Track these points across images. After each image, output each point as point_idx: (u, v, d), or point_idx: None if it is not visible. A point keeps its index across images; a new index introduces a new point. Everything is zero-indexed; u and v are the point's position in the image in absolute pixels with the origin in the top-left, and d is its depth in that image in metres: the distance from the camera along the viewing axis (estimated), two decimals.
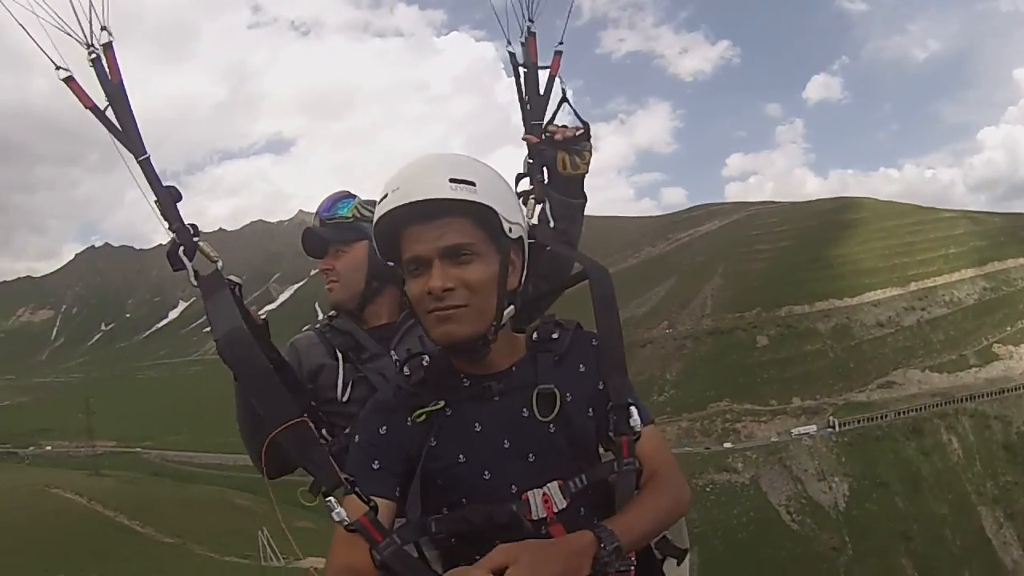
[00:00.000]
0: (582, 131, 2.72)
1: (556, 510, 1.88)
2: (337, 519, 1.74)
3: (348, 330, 3.00)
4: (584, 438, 1.97)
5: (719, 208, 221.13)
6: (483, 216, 1.80)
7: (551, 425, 1.91)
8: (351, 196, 3.10)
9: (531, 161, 2.73)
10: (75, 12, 2.08)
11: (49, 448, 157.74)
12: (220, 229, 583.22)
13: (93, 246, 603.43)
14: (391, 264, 1.97)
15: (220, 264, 2.27)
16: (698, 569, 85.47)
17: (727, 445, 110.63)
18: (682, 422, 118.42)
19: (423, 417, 1.93)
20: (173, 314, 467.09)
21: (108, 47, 2.12)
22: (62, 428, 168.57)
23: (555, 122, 2.81)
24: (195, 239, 2.26)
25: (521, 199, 2.59)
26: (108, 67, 2.12)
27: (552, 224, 2.75)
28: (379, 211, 1.85)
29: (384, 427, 1.97)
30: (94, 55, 2.11)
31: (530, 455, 1.93)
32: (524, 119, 2.78)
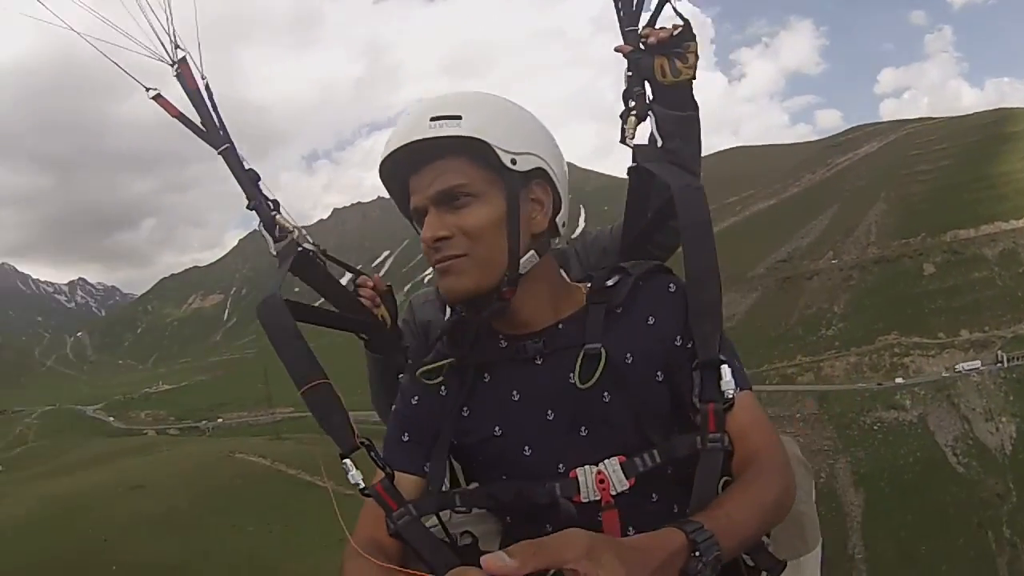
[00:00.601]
0: (681, 29, 2.12)
1: (614, 492, 1.61)
2: (352, 482, 1.60)
3: None
4: (654, 407, 1.68)
5: (876, 128, 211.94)
6: (478, 152, 1.57)
7: (605, 393, 1.66)
8: None
9: (630, 74, 2.16)
10: (157, 36, 2.17)
11: (221, 420, 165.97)
12: (379, 198, 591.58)
13: (255, 229, 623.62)
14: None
15: (296, 235, 2.21)
16: (863, 511, 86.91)
17: (898, 380, 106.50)
18: (850, 357, 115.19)
19: (437, 379, 1.79)
20: (343, 280, 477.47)
21: (183, 61, 2.25)
22: (240, 400, 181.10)
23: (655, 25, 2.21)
24: (273, 214, 2.24)
25: (622, 119, 2.14)
26: (186, 77, 2.25)
27: (660, 143, 2.15)
28: (380, 166, 1.71)
29: (416, 397, 1.84)
30: (177, 71, 2.25)
31: (582, 428, 1.68)
32: (620, 27, 2.22)
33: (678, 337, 1.67)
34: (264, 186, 2.27)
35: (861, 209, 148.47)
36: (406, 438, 1.78)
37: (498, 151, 1.56)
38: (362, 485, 1.59)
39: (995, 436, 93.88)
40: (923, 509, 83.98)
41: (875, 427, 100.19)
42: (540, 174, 1.65)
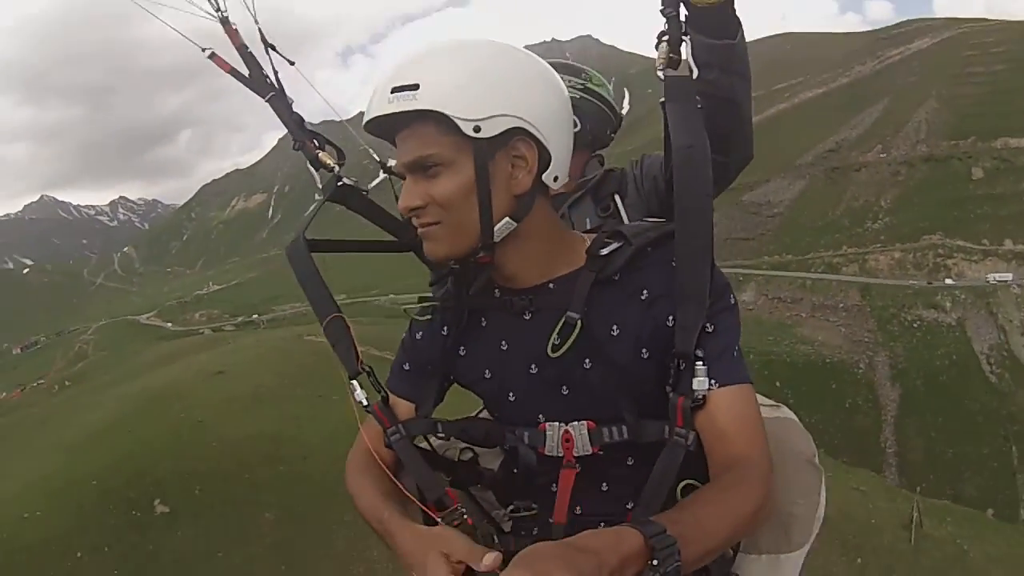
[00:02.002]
0: None
1: (577, 454, 1.76)
2: (357, 400, 1.86)
3: None
4: (635, 384, 1.73)
5: (929, 24, 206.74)
6: (443, 118, 1.56)
7: (586, 360, 1.75)
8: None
9: None
10: None
11: (275, 312, 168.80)
12: None
13: None
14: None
15: (337, 170, 2.43)
16: (898, 406, 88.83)
17: (948, 281, 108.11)
18: (895, 252, 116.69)
19: (426, 316, 1.99)
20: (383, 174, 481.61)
21: (225, 21, 2.54)
22: (291, 292, 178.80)
23: None
24: (317, 151, 2.47)
25: (656, 44, 1.96)
26: (231, 35, 2.55)
27: (696, 73, 1.96)
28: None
29: (420, 332, 2.01)
30: (226, 26, 2.56)
31: (563, 387, 1.79)
32: None
33: (670, 317, 1.68)
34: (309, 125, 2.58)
35: (911, 105, 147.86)
36: (407, 367, 2.02)
37: (457, 121, 1.55)
38: (365, 403, 1.87)
39: None
40: (954, 413, 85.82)
41: (915, 324, 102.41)
42: (519, 132, 1.63)
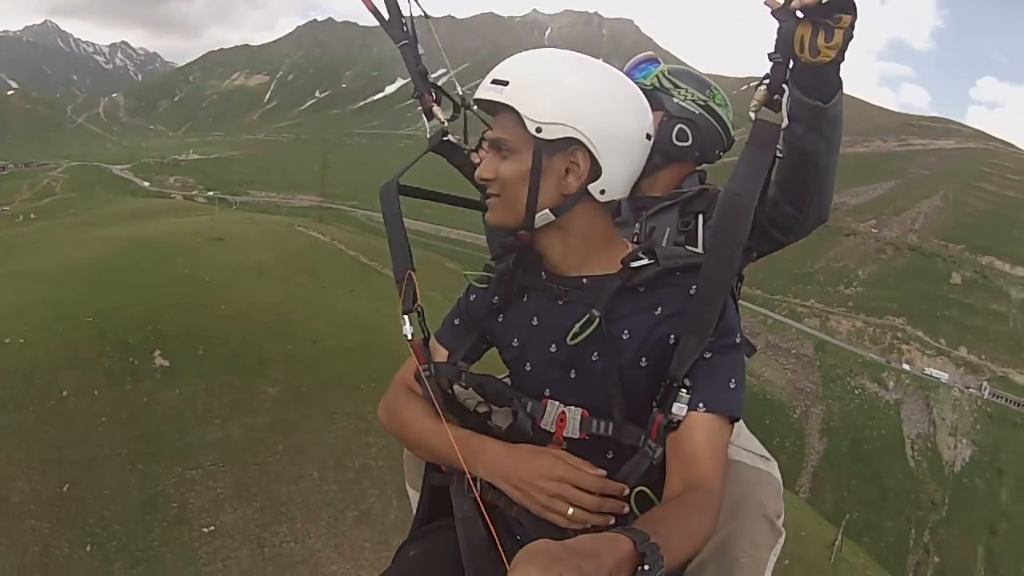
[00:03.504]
0: None
1: (566, 435, 1.96)
2: (403, 332, 2.08)
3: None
4: (629, 386, 1.93)
5: (959, 129, 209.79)
6: (519, 114, 1.85)
7: (595, 353, 1.94)
8: (655, 61, 3.18)
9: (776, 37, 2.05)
10: None
11: (249, 196, 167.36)
12: (449, 16, 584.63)
13: (316, 20, 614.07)
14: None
15: (445, 125, 2.60)
16: (820, 458, 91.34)
17: (905, 366, 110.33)
18: (857, 321, 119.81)
19: (484, 285, 2.22)
20: (390, 89, 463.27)
21: None
22: (269, 181, 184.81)
23: None
24: (433, 103, 2.62)
25: (756, 85, 2.20)
26: None
27: (785, 123, 2.11)
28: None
29: (474, 295, 2.24)
30: None
31: (571, 372, 1.99)
32: None
33: (672, 337, 1.86)
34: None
35: (917, 196, 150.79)
36: (456, 322, 2.27)
37: (525, 119, 1.83)
38: (409, 337, 2.09)
39: (951, 451, 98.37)
40: (869, 481, 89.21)
41: (856, 391, 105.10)
42: (576, 143, 1.85)
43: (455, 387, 2.07)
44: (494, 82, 1.88)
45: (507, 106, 1.85)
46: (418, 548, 2.14)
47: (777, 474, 2.48)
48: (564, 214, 1.93)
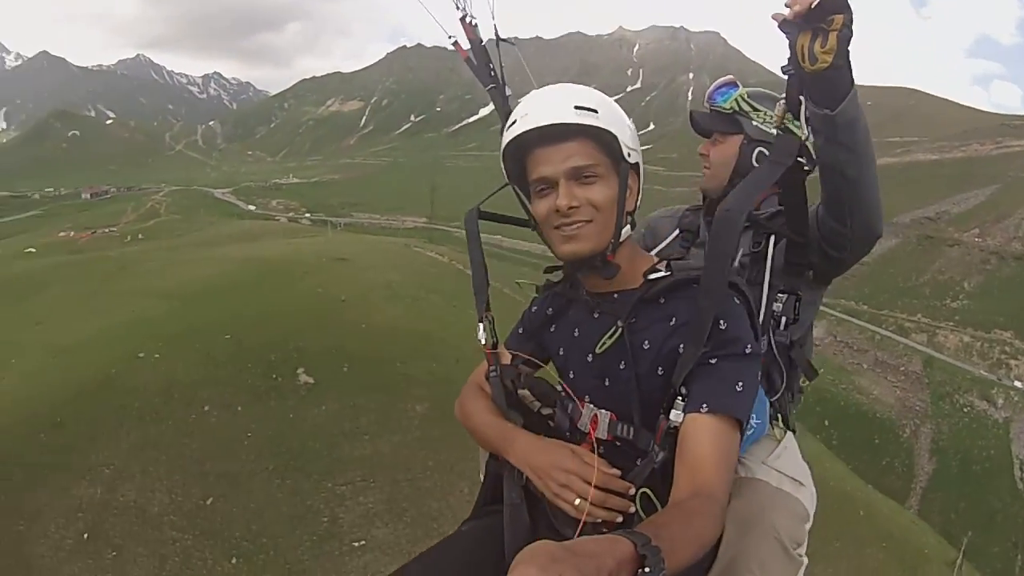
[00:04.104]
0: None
1: (596, 436, 2.14)
2: (478, 338, 2.42)
3: (695, 217, 3.34)
4: (648, 394, 2.09)
5: None
6: (604, 140, 2.04)
7: (622, 363, 2.13)
8: (735, 85, 3.21)
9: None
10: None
11: (353, 218, 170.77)
12: (537, 37, 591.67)
13: (404, 46, 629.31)
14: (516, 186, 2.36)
15: None
16: (930, 478, 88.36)
17: (1017, 384, 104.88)
18: (965, 336, 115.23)
19: (541, 296, 2.56)
20: (483, 111, 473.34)
21: (464, 18, 3.03)
22: (371, 203, 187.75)
23: None
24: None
25: (777, 103, 2.42)
26: (467, 31, 3.03)
27: (807, 135, 2.32)
28: (508, 135, 2.12)
29: (535, 306, 2.55)
30: (470, 22, 3.03)
31: (605, 380, 2.18)
32: None
33: (681, 347, 2.03)
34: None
35: (1018, 200, 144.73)
36: (520, 331, 2.60)
37: (623, 146, 2.07)
38: (482, 342, 2.42)
39: None
40: (977, 503, 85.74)
41: (964, 409, 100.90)
42: (636, 167, 2.15)
43: (518, 389, 2.32)
44: (580, 107, 2.02)
45: (590, 132, 2.04)
46: (470, 526, 2.46)
47: (808, 502, 2.48)
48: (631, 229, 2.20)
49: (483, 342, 2.44)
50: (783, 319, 2.89)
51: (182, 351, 14.09)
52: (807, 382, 3.13)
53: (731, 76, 3.29)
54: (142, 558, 9.27)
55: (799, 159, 2.34)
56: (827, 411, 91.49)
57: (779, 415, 2.87)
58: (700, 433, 1.91)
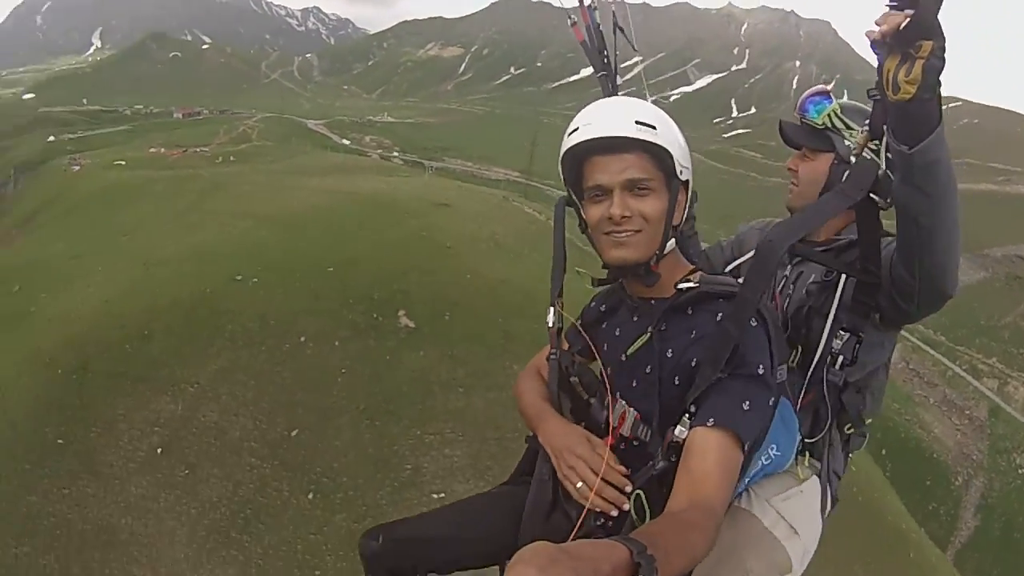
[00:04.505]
0: (910, 17, 1.73)
1: (621, 432, 2.28)
2: (547, 320, 2.68)
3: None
4: (666, 400, 2.20)
5: None
6: (659, 156, 2.19)
7: (649, 367, 2.26)
8: (829, 97, 2.97)
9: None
10: None
11: (444, 163, 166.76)
12: (644, 3, 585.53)
13: None
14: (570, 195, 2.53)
15: None
16: (969, 537, 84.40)
17: None
18: None
19: (592, 301, 2.76)
20: (585, 71, 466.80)
21: (581, 2, 3.21)
22: (461, 149, 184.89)
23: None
24: None
25: (861, 128, 2.45)
26: (583, 16, 3.23)
27: (882, 167, 2.27)
28: (570, 142, 2.26)
29: (593, 302, 2.74)
30: (590, 5, 3.24)
31: (634, 381, 2.33)
32: None
33: (694, 361, 2.14)
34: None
35: None
36: (580, 322, 2.73)
37: (677, 163, 2.20)
38: (549, 325, 2.66)
39: None
40: (1011, 572, 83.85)
41: (1020, 469, 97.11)
42: (686, 184, 2.29)
43: (571, 375, 2.54)
44: (640, 123, 2.15)
45: (649, 148, 2.16)
46: (501, 489, 2.76)
47: (795, 555, 2.47)
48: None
49: (550, 325, 2.67)
50: (840, 358, 2.70)
51: (282, 279, 13.98)
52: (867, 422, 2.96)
53: (824, 86, 3.04)
54: (215, 480, 9.35)
55: (872, 194, 2.30)
56: (887, 440, 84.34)
57: (807, 453, 2.75)
58: (704, 446, 1.97)
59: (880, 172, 2.27)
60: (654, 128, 2.16)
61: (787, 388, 2.32)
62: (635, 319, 2.41)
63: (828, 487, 2.81)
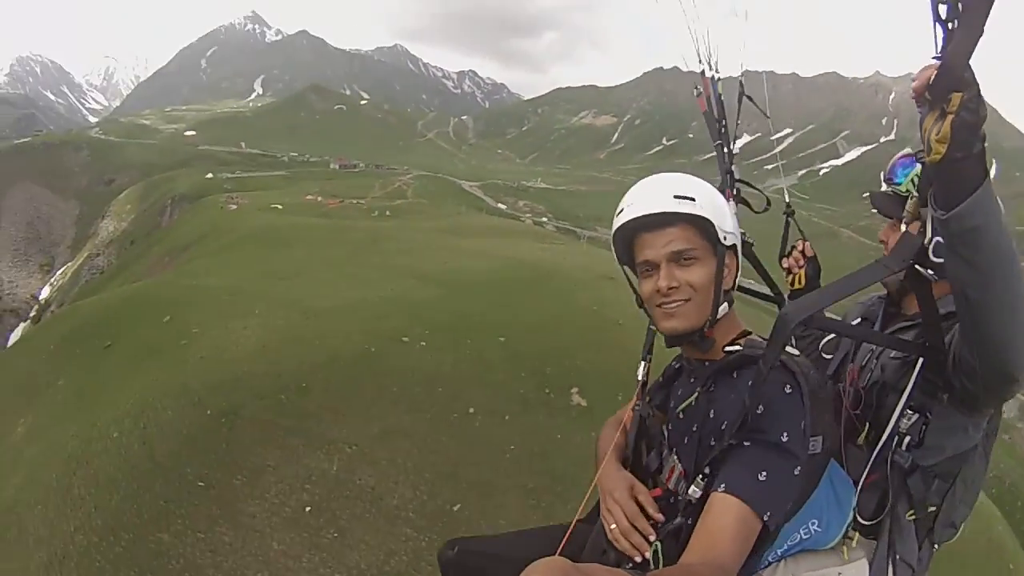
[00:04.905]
0: (936, 73, 1.64)
1: (670, 485, 2.44)
2: (636, 374, 2.90)
3: (878, 307, 3.15)
4: (702, 459, 2.29)
5: None
6: (702, 226, 2.31)
7: (695, 426, 2.41)
8: (915, 161, 2.81)
9: None
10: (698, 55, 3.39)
11: (597, 232, 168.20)
12: (794, 73, 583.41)
13: (661, 68, 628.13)
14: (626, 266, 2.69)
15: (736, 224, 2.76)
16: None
17: None
18: None
19: (674, 360, 2.93)
20: (737, 144, 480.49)
21: (702, 74, 3.33)
22: (613, 218, 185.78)
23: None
24: (730, 200, 3.31)
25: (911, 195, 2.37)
26: (705, 86, 3.37)
27: (927, 238, 2.17)
28: (617, 223, 2.43)
29: (673, 361, 2.90)
30: (712, 77, 3.39)
31: (685, 438, 2.46)
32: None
33: (724, 423, 2.25)
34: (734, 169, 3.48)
35: None
36: (661, 379, 2.94)
37: (719, 231, 2.32)
38: (639, 378, 2.88)
39: None
40: None
41: None
42: (733, 248, 2.41)
43: (649, 426, 2.76)
44: (679, 196, 2.30)
45: (692, 219, 2.31)
46: (575, 524, 2.77)
47: None
48: (731, 305, 2.44)
49: (639, 379, 2.88)
50: (906, 438, 2.57)
51: (451, 343, 13.64)
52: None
53: (910, 149, 2.90)
54: (366, 547, 8.91)
55: (917, 266, 2.18)
56: (1004, 498, 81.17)
57: (856, 532, 2.61)
58: (722, 509, 2.05)
59: (927, 242, 2.17)
60: (693, 200, 2.29)
61: (840, 461, 2.54)
62: (691, 380, 2.58)
63: (890, 573, 2.63)
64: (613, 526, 2.34)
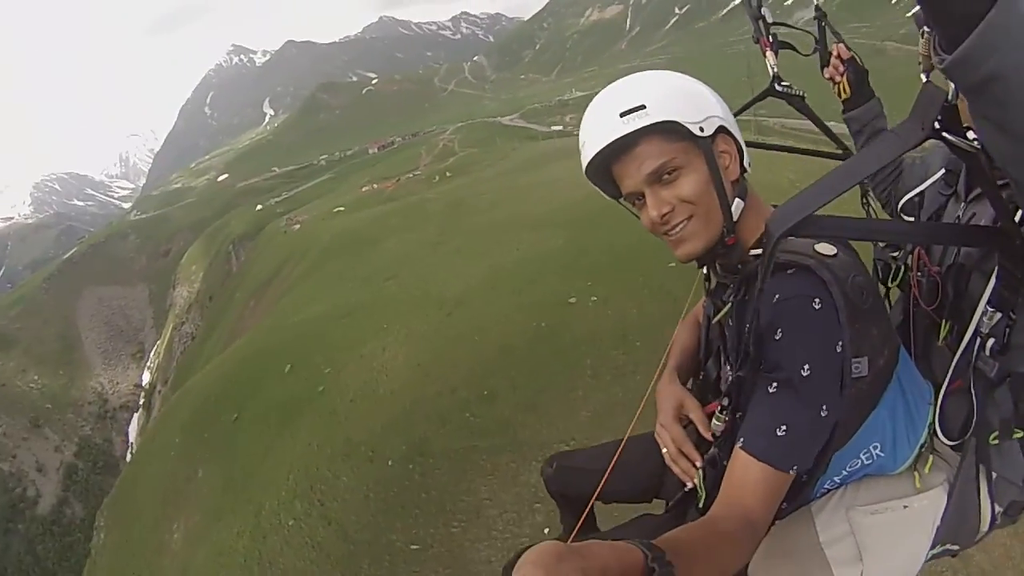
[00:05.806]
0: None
1: (720, 404, 2.04)
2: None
3: None
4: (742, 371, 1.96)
5: None
6: (669, 129, 1.92)
7: (729, 341, 2.18)
8: None
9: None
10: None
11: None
12: None
13: None
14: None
15: (775, 72, 2.94)
16: None
17: None
18: None
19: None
20: None
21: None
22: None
23: None
24: (767, 50, 3.07)
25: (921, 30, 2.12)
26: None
27: (951, 92, 1.47)
28: (583, 164, 2.06)
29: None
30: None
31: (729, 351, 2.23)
32: None
33: (751, 344, 1.88)
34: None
35: None
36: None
37: (687, 125, 1.92)
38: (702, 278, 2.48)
39: None
40: None
41: None
42: (721, 130, 2.00)
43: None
44: (624, 114, 1.91)
45: (652, 129, 1.91)
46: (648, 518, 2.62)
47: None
48: (747, 196, 2.06)
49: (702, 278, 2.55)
50: (989, 340, 2.03)
51: (623, 288, 12.04)
52: None
53: None
54: None
55: (945, 134, 1.48)
56: None
57: (931, 455, 2.13)
58: (741, 464, 1.82)
59: (951, 96, 1.46)
60: (643, 107, 1.91)
61: (901, 375, 2.02)
62: (727, 287, 2.21)
63: (978, 503, 2.13)
64: (664, 450, 2.20)
